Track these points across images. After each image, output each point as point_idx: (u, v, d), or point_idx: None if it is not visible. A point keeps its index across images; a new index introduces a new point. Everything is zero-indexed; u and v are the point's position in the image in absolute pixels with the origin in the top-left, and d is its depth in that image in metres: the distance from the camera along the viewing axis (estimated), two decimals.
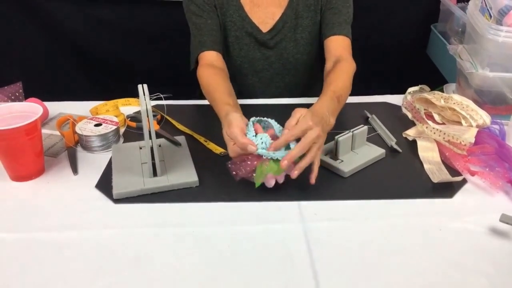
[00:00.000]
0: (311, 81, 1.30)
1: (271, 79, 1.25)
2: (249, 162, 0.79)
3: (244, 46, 1.21)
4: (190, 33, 1.19)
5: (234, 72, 1.23)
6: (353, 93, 1.22)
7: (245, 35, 1.19)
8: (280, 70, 1.24)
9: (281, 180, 0.81)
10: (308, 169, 0.80)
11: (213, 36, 1.15)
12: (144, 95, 0.81)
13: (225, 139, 0.83)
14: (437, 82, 1.36)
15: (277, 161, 0.77)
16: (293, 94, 1.25)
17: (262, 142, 0.78)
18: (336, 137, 0.89)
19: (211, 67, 1.10)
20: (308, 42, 1.21)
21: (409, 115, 1.10)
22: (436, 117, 1.03)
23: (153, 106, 1.12)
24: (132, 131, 1.05)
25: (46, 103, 1.11)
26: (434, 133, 0.97)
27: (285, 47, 1.21)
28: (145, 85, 0.84)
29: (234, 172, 0.80)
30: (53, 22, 1.57)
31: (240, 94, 1.05)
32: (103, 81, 1.66)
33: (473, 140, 0.90)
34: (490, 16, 1.08)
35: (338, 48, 1.12)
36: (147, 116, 0.80)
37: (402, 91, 1.17)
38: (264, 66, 1.24)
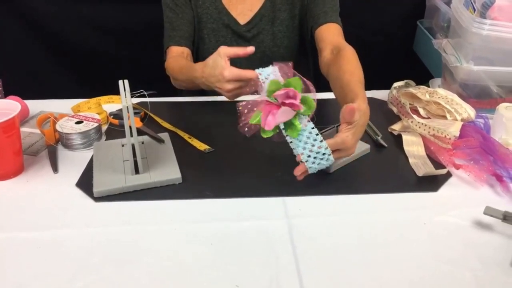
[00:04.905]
0: None
1: None
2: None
3: (220, 38, 1.20)
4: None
5: None
6: None
7: (221, 27, 1.19)
8: (257, 63, 1.23)
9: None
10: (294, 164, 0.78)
11: (182, 31, 1.17)
12: (124, 90, 0.80)
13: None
14: (424, 78, 1.36)
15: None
16: None
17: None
18: (321, 131, 0.88)
19: (179, 57, 1.14)
20: (285, 35, 1.21)
21: (395, 110, 1.09)
22: (421, 111, 1.03)
23: (138, 104, 1.10)
24: (115, 129, 1.04)
25: (27, 101, 1.10)
26: (419, 127, 0.96)
27: (263, 40, 1.21)
28: (126, 81, 0.82)
29: (246, 129, 0.75)
30: (34, 19, 1.54)
31: None
32: (86, 79, 1.63)
33: (457, 134, 0.90)
34: (474, 10, 1.08)
35: (332, 36, 1.09)
36: (128, 112, 0.78)
37: (388, 86, 1.17)
38: (241, 58, 1.22)
